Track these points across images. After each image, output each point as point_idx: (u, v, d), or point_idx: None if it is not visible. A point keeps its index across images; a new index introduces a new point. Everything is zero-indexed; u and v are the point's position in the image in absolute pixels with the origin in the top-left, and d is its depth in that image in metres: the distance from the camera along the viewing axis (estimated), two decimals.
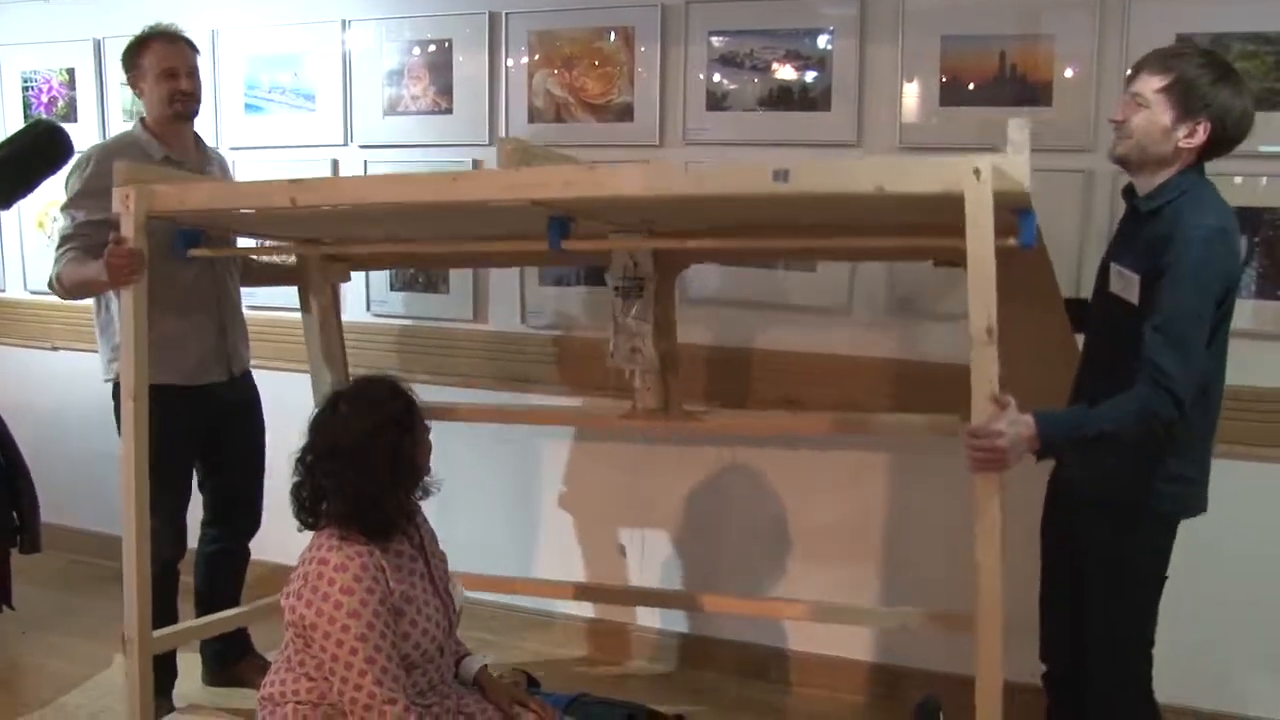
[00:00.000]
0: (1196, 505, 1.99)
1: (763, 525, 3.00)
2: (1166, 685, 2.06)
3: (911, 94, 2.70)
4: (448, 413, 2.79)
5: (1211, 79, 1.83)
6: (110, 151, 2.52)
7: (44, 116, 3.65)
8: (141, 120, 2.65)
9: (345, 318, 3.21)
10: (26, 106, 3.79)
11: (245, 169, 3.37)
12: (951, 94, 2.67)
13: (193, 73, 2.61)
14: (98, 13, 3.60)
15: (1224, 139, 1.87)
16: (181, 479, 2.69)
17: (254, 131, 3.44)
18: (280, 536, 2.24)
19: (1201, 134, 1.85)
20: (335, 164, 3.32)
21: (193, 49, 2.65)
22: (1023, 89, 2.60)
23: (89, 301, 2.69)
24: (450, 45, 3.16)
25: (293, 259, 2.87)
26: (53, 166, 2.67)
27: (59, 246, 2.52)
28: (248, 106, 3.45)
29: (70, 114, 3.68)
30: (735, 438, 2.98)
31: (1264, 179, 2.45)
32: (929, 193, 1.66)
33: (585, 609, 3.21)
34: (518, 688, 2.17)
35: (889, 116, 2.73)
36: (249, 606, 2.78)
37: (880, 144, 2.73)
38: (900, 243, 2.10)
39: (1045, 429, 1.73)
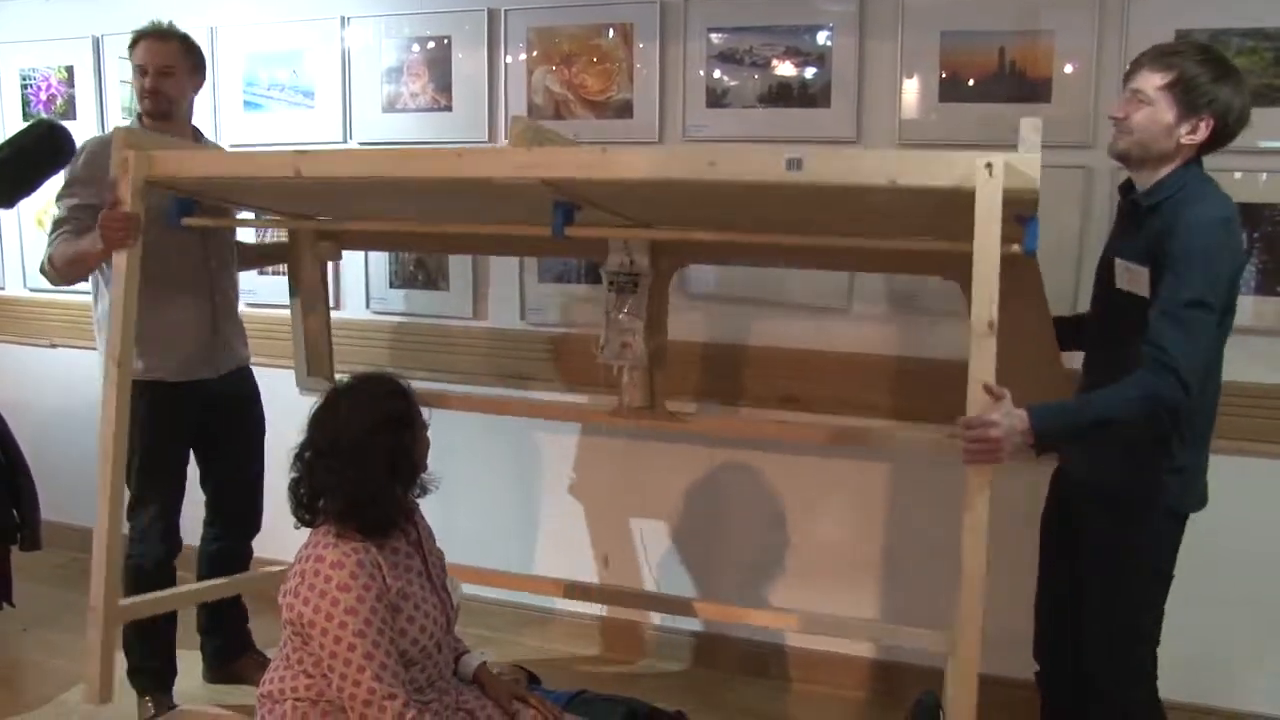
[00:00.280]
0: (1198, 498, 1.98)
1: (761, 523, 3.00)
2: (1163, 682, 2.05)
3: (911, 90, 2.70)
4: (439, 400, 2.77)
5: (1212, 77, 1.83)
6: (106, 143, 2.51)
7: (45, 116, 3.65)
8: (139, 116, 2.66)
9: (345, 314, 3.22)
10: (25, 104, 3.78)
11: None
12: (951, 90, 2.67)
13: (164, 72, 2.56)
14: (96, 10, 3.59)
15: (1224, 135, 1.87)
16: (173, 475, 2.67)
17: (253, 129, 3.43)
18: (282, 535, 2.24)
19: (1204, 130, 1.85)
20: None
21: (183, 46, 2.61)
22: (1022, 85, 2.60)
23: (87, 298, 2.69)
24: (449, 42, 3.15)
25: (283, 236, 2.85)
26: (54, 166, 2.67)
27: (52, 231, 2.52)
28: (247, 104, 3.45)
29: (69, 112, 3.68)
30: (724, 440, 2.98)
31: (1264, 175, 2.45)
32: (940, 186, 1.66)
33: (585, 606, 3.21)
34: (518, 684, 2.17)
35: (888, 113, 2.73)
36: (225, 580, 2.75)
37: (879, 140, 2.73)
38: (904, 244, 2.09)
39: (1040, 420, 1.71)
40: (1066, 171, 2.54)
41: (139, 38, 2.59)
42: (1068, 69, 2.56)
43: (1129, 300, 1.92)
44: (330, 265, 3.09)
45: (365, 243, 3.05)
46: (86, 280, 2.62)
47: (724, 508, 3.04)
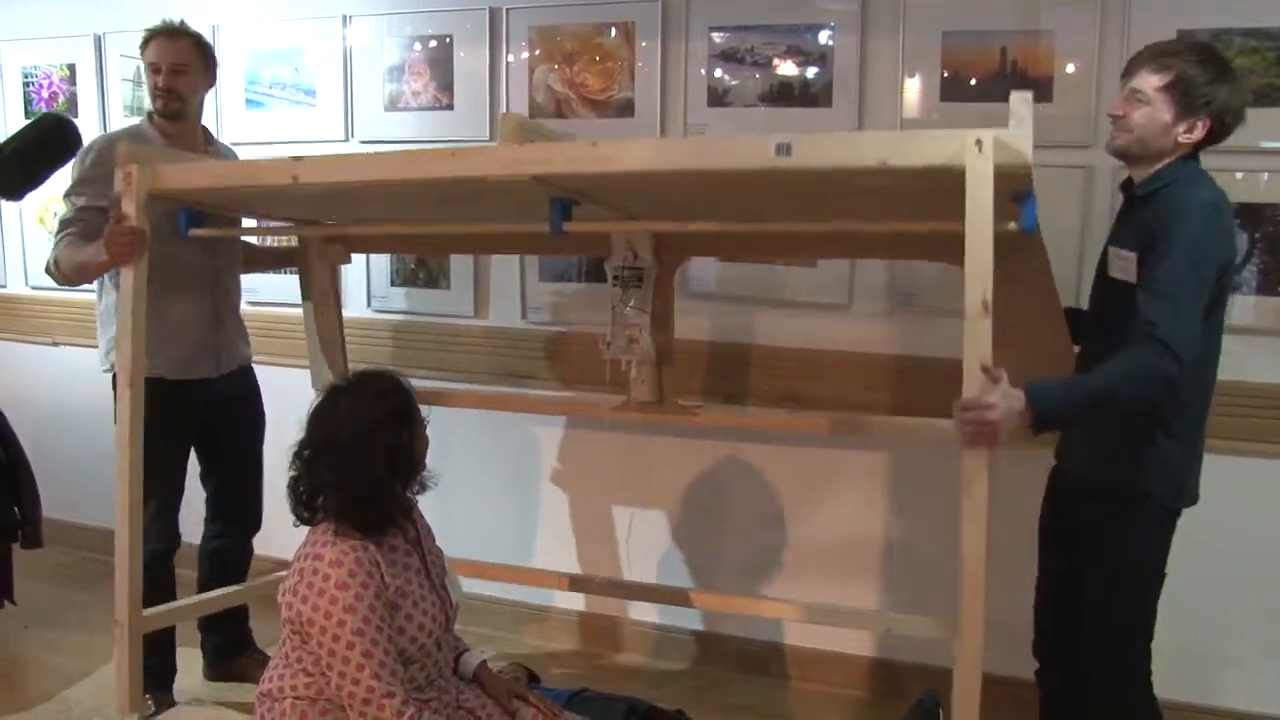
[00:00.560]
0: (1191, 493, 1.99)
1: (761, 518, 3.00)
2: (1160, 681, 2.05)
3: (912, 89, 2.70)
4: (437, 397, 2.77)
5: (1209, 77, 1.85)
6: (114, 141, 2.52)
7: (51, 110, 3.65)
8: (149, 115, 2.67)
9: (346, 313, 3.21)
10: (27, 102, 3.79)
11: None
12: (952, 89, 2.67)
13: (177, 70, 2.57)
14: (98, 8, 3.60)
15: (1220, 133, 1.90)
16: (172, 472, 2.67)
17: (255, 127, 3.44)
18: (283, 533, 2.24)
19: (1200, 130, 1.88)
20: None
21: (196, 45, 2.62)
22: (1023, 85, 2.57)
23: (90, 296, 2.69)
24: (451, 41, 3.16)
25: (293, 241, 2.86)
26: (61, 159, 2.67)
27: (58, 231, 2.53)
28: (249, 102, 3.45)
29: (71, 109, 3.68)
30: (731, 433, 2.98)
31: (1265, 175, 2.45)
32: (931, 165, 1.65)
33: (585, 603, 3.21)
34: (518, 683, 2.17)
35: (890, 112, 2.73)
36: (241, 586, 2.78)
37: None
38: (903, 227, 2.08)
39: (1037, 399, 1.69)
40: (1067, 171, 2.55)
41: (151, 36, 2.59)
42: (1069, 68, 2.57)
43: (1122, 287, 1.93)
44: None
45: (373, 246, 3.05)
46: (92, 283, 2.63)
47: (727, 503, 3.04)
